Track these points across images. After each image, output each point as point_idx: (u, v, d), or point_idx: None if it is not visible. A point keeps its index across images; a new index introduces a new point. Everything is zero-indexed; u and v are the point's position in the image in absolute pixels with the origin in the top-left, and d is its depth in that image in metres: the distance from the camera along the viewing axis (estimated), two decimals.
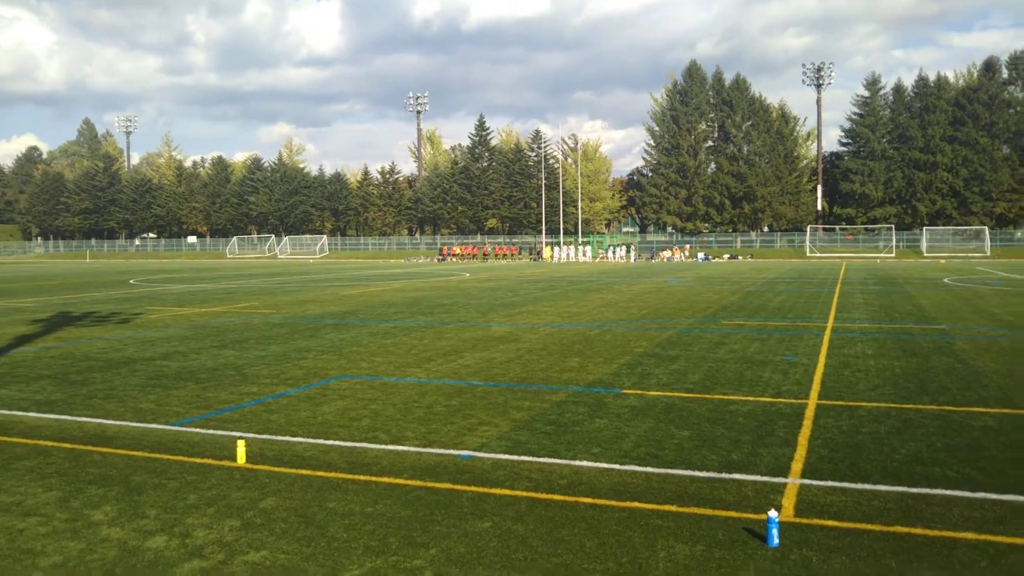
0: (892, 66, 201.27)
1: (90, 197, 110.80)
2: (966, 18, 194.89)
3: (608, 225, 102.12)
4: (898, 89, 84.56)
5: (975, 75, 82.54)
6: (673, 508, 5.76)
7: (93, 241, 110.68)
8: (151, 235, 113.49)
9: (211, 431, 8.12)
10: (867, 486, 6.21)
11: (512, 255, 78.70)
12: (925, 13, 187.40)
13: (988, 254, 70.11)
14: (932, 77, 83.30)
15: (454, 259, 75.80)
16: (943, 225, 78.85)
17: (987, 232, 73.65)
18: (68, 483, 6.46)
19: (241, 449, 7.05)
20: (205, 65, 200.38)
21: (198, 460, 7.07)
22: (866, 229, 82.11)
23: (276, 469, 6.78)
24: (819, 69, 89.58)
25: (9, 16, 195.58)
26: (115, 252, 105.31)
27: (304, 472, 6.69)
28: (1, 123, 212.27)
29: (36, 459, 7.17)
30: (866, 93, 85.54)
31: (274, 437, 7.83)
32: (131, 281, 38.62)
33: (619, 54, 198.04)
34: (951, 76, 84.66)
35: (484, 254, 78.97)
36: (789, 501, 5.91)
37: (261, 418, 8.67)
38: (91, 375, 11.48)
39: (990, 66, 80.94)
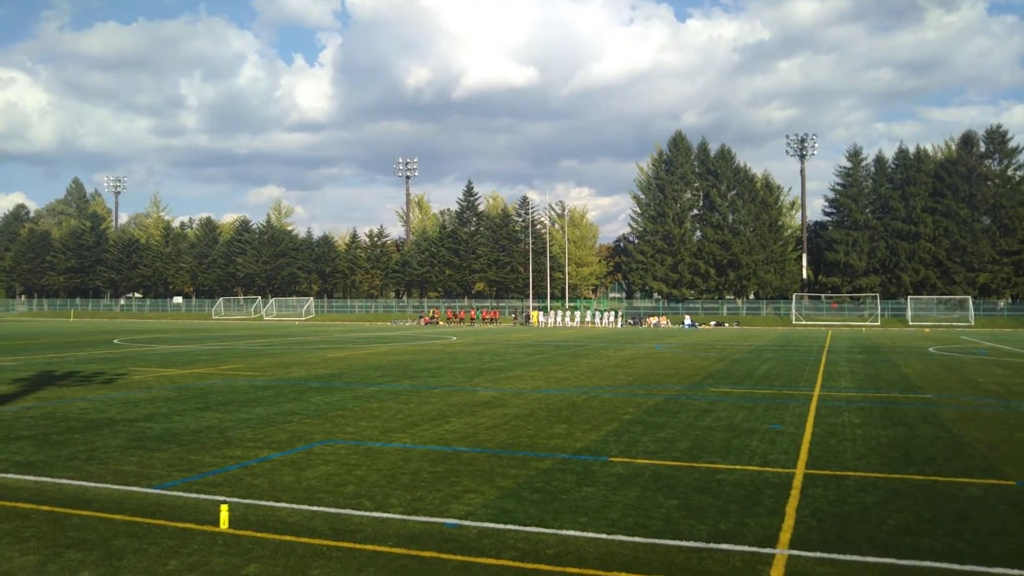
0: (874, 138, 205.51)
1: (76, 256, 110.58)
2: (944, 93, 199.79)
3: (595, 290, 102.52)
4: (880, 161, 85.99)
5: (953, 148, 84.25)
6: None
7: (78, 300, 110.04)
8: (137, 295, 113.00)
9: (194, 495, 8.01)
10: (855, 557, 6.18)
11: (494, 319, 78.72)
12: (905, 88, 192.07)
13: (972, 323, 70.67)
14: (912, 150, 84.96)
15: (442, 323, 75.72)
16: (927, 294, 79.51)
17: (971, 302, 74.34)
18: (46, 547, 6.35)
19: (224, 514, 6.96)
20: (196, 127, 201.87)
21: (180, 524, 6.97)
22: (851, 298, 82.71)
23: (259, 535, 6.69)
24: (803, 140, 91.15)
25: (4, 78, 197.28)
26: (100, 311, 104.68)
27: (287, 538, 6.60)
28: None
29: (13, 522, 7.04)
30: (848, 164, 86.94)
31: (258, 502, 7.73)
32: (115, 341, 38.37)
33: (605, 124, 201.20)
34: (930, 149, 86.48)
35: (472, 318, 78.97)
36: (778, 572, 5.87)
37: (245, 482, 8.58)
38: (72, 436, 11.34)
39: (968, 140, 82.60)
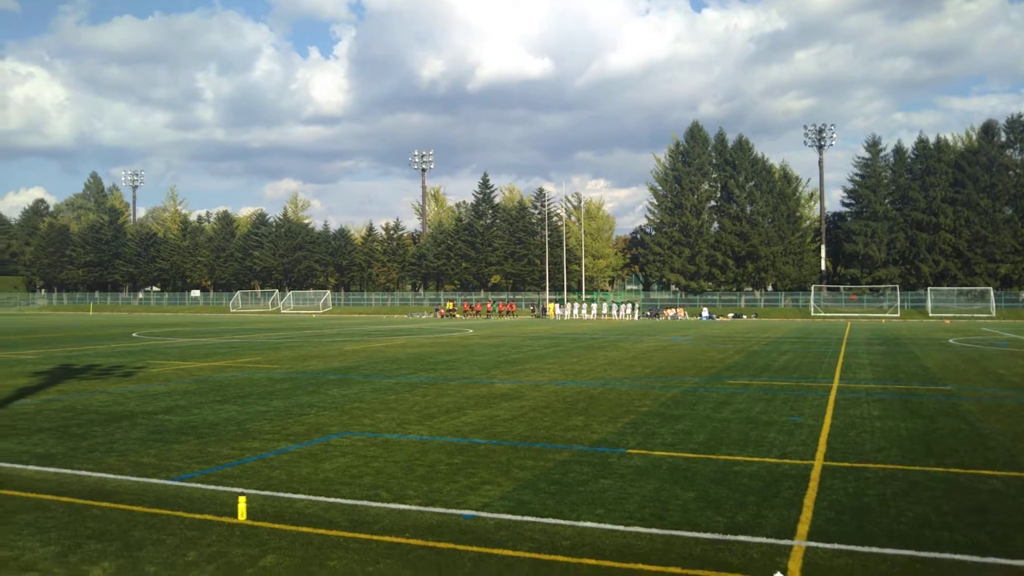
0: (893, 128, 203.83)
1: (95, 250, 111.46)
2: (964, 83, 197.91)
3: (612, 283, 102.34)
4: (899, 151, 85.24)
5: (974, 138, 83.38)
6: (678, 570, 5.69)
7: (96, 294, 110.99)
8: (155, 288, 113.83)
9: (212, 487, 8.06)
10: (874, 549, 6.14)
11: (510, 312, 78.73)
12: (924, 78, 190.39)
13: (993, 315, 70.03)
14: (932, 140, 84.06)
15: (458, 315, 75.83)
16: (948, 286, 78.86)
17: (992, 293, 73.66)
18: (66, 537, 6.40)
19: (242, 505, 6.99)
20: (213, 121, 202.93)
21: (198, 516, 7.01)
22: (871, 289, 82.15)
23: (277, 526, 6.72)
24: (820, 131, 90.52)
25: (23, 73, 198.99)
26: (118, 305, 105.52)
27: (305, 529, 6.62)
28: (10, 176, 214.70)
29: (35, 513, 7.11)
30: (867, 155, 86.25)
31: (275, 493, 7.76)
32: (134, 334, 38.65)
33: (621, 115, 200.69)
34: (950, 139, 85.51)
35: (488, 311, 79.00)
36: (795, 564, 5.83)
37: (262, 474, 8.61)
38: (92, 429, 11.43)
39: (988, 129, 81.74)
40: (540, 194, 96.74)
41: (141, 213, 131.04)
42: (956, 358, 24.37)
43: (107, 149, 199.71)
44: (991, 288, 74.79)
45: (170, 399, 14.61)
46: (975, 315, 70.59)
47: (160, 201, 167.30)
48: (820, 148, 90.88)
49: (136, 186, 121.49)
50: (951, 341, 33.63)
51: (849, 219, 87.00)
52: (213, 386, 16.66)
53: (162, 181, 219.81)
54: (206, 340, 33.59)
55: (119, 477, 8.49)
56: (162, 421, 12.11)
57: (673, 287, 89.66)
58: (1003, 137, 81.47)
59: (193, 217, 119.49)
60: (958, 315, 70.54)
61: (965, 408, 13.60)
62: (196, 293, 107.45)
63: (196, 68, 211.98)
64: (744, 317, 73.83)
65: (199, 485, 8.14)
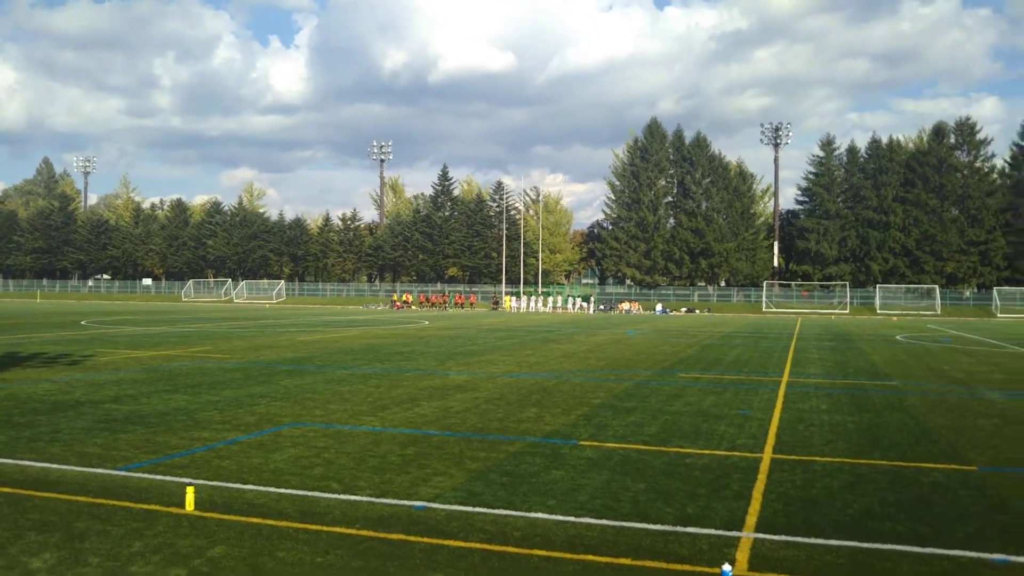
0: (847, 128, 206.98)
1: (44, 236, 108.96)
2: (916, 85, 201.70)
3: (568, 276, 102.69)
4: (852, 151, 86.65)
5: (924, 139, 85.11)
6: (628, 561, 5.73)
7: (45, 281, 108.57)
8: (105, 276, 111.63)
9: (160, 477, 7.93)
10: (820, 540, 6.24)
11: (461, 304, 78.50)
12: (878, 79, 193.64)
13: (939, 312, 71.65)
14: (884, 140, 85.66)
15: (414, 307, 75.41)
16: (896, 283, 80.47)
17: (938, 291, 75.37)
18: (6, 529, 6.25)
19: (190, 496, 6.89)
20: (169, 108, 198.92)
21: (145, 506, 6.89)
22: (821, 286, 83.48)
23: (225, 517, 6.63)
24: (777, 129, 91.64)
25: None
26: (67, 292, 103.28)
27: (254, 520, 6.55)
28: None
29: None
30: (821, 154, 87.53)
31: (224, 484, 7.66)
32: (83, 322, 37.88)
33: (581, 111, 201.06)
34: (902, 139, 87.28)
35: (444, 302, 78.69)
36: (743, 555, 5.91)
37: (212, 464, 8.50)
38: (36, 417, 11.18)
39: (938, 131, 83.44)
40: (499, 187, 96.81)
41: (93, 200, 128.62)
42: (903, 354, 24.88)
43: (59, 134, 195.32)
44: (936, 286, 76.54)
45: (119, 388, 14.36)
46: (921, 312, 72.15)
47: (112, 188, 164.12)
48: (776, 146, 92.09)
49: (88, 172, 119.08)
50: (898, 337, 34.33)
51: (802, 216, 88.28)
52: (163, 375, 16.40)
53: (115, 168, 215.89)
54: (157, 329, 33.04)
55: (63, 467, 8.32)
56: (109, 410, 11.89)
57: (628, 282, 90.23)
58: (952, 139, 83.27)
59: (146, 205, 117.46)
60: (905, 312, 72.03)
61: (910, 403, 13.89)
62: (148, 281, 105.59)
63: (154, 55, 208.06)
64: (697, 312, 74.59)
65: (146, 475, 8.00)
